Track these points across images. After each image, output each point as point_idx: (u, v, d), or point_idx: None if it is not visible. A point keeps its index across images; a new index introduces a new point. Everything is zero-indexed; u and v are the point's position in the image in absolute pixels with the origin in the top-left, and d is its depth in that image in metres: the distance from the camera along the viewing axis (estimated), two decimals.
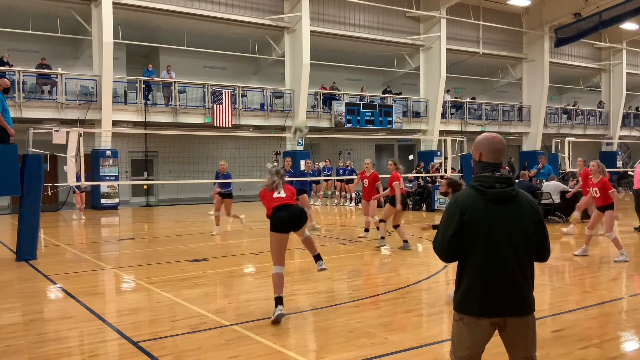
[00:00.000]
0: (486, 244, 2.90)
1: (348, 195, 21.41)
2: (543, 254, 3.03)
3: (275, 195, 6.12)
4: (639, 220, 12.90)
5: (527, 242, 2.95)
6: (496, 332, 3.02)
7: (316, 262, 6.40)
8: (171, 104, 21.75)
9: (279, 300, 5.76)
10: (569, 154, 20.33)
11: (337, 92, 26.12)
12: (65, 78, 19.90)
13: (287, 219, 5.96)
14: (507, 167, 22.05)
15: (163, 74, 22.23)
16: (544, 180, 16.08)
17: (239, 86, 23.31)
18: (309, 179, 13.99)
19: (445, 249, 2.98)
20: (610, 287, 7.59)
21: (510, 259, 2.91)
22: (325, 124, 25.09)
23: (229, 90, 22.39)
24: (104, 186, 20.08)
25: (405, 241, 10.44)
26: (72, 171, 11.77)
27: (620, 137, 35.43)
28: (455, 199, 3.00)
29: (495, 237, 2.90)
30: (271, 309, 5.72)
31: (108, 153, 20.20)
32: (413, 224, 14.19)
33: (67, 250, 11.20)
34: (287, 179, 13.64)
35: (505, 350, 3.08)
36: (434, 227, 5.35)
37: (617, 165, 32.15)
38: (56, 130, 11.99)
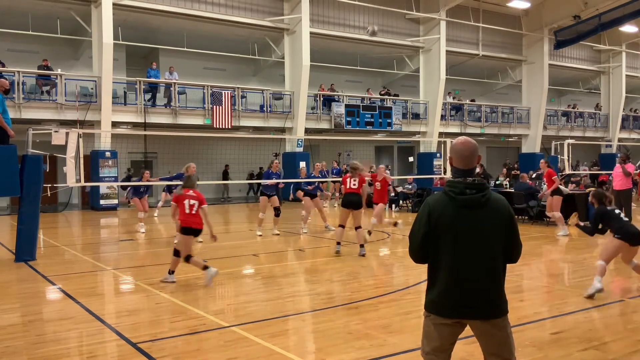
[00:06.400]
0: (453, 247, 2.96)
1: None
2: (512, 255, 3.07)
3: None
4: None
5: (497, 245, 2.98)
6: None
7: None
8: (171, 105, 21.75)
9: None
10: (568, 157, 20.31)
11: (336, 93, 26.13)
12: (65, 79, 19.91)
13: None
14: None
15: (165, 74, 22.23)
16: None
17: (238, 87, 23.31)
18: (315, 180, 14.00)
19: (416, 251, 3.08)
20: (609, 289, 7.59)
21: (477, 263, 2.95)
22: (324, 125, 25.10)
23: (229, 92, 22.37)
24: (103, 187, 20.07)
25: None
26: (71, 172, 11.75)
27: (620, 140, 35.45)
28: (427, 203, 3.07)
29: (463, 241, 2.95)
30: (271, 310, 5.70)
31: (107, 154, 20.19)
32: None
33: (66, 251, 11.20)
34: (296, 180, 13.73)
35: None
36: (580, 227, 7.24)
37: None
38: (56, 131, 11.95)
